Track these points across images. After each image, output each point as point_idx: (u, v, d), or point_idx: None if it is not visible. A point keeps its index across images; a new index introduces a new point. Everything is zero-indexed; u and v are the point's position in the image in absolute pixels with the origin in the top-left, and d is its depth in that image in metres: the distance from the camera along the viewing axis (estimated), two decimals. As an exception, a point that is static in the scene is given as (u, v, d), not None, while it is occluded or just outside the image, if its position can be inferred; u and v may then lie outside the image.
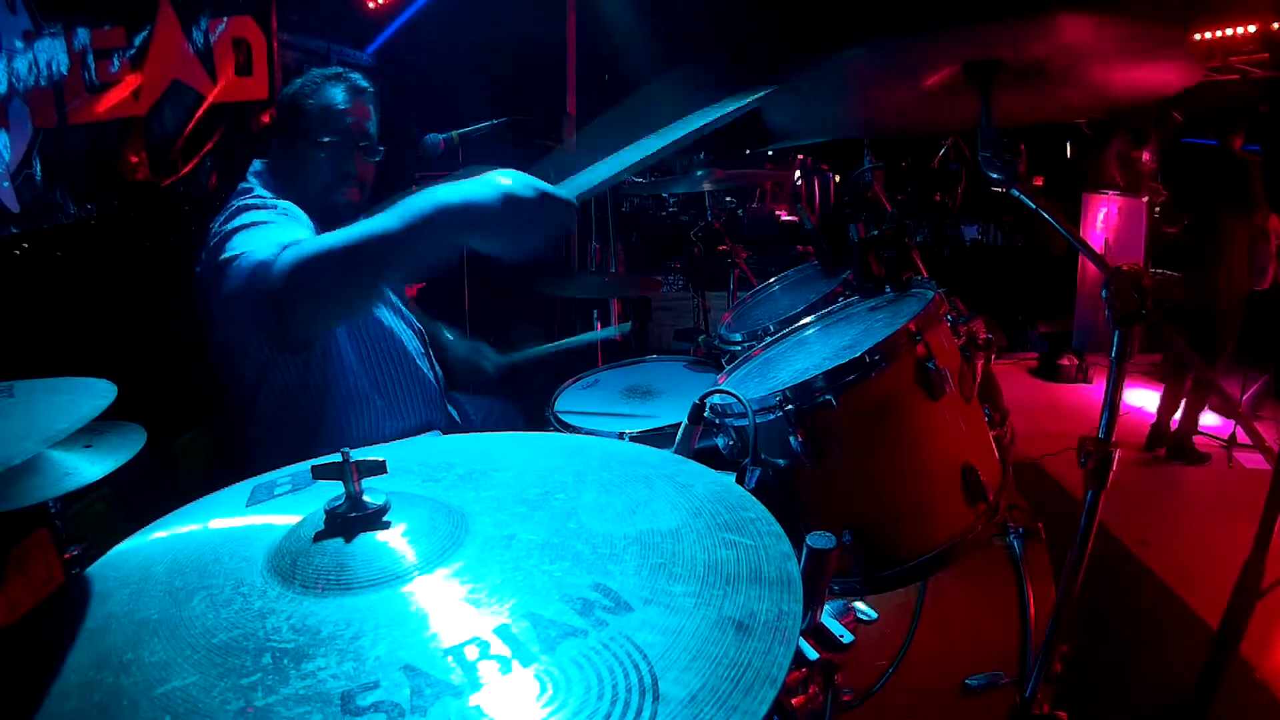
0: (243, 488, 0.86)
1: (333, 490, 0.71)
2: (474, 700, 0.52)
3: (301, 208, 1.55)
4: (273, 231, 1.33)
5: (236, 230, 1.37)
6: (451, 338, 2.10)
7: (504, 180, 1.07)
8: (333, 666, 0.56)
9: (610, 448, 0.97)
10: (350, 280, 1.16)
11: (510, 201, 1.06)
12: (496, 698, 0.52)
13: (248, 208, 1.46)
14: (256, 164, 1.65)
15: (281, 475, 0.88)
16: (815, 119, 1.34)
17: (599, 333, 2.33)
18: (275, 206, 1.48)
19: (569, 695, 0.52)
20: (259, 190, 1.56)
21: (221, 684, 0.55)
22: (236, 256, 1.28)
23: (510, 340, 2.16)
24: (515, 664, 0.55)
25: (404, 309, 1.81)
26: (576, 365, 2.19)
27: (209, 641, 0.59)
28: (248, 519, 0.80)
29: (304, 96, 1.60)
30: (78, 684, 0.56)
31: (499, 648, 0.56)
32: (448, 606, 0.62)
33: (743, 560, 0.67)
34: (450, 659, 0.56)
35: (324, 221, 1.60)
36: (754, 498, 0.78)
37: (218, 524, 0.79)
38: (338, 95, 1.61)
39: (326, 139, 1.59)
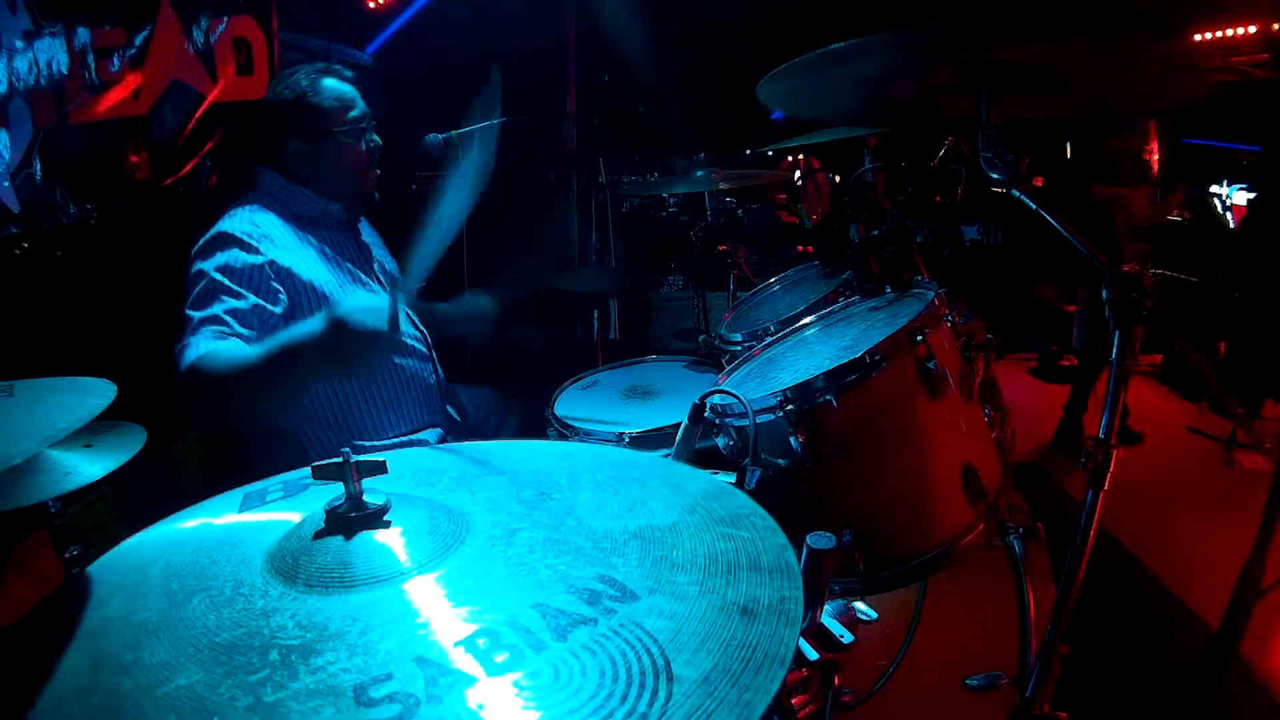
0: (234, 495, 0.86)
1: (324, 496, 0.71)
2: (491, 687, 0.53)
3: (335, 198, 1.68)
4: (206, 330, 1.40)
5: (192, 293, 1.45)
6: (445, 306, 2.05)
7: (337, 322, 1.18)
8: (343, 661, 0.56)
9: (600, 452, 0.98)
10: (245, 396, 1.32)
11: (330, 336, 1.18)
12: (513, 684, 0.53)
13: (212, 254, 1.49)
14: (266, 171, 1.65)
15: (273, 483, 0.89)
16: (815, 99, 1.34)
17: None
18: (254, 248, 1.51)
19: (585, 679, 0.53)
20: (251, 218, 1.57)
21: (228, 681, 0.55)
22: (182, 335, 1.39)
23: (509, 339, 2.14)
24: (528, 652, 0.55)
25: (410, 313, 1.81)
26: (576, 366, 2.19)
27: (212, 641, 0.59)
28: (240, 522, 0.80)
29: (311, 95, 1.62)
30: (75, 687, 0.56)
31: (510, 638, 0.57)
32: (455, 601, 0.62)
33: (741, 551, 0.68)
34: (462, 650, 0.56)
35: (358, 205, 1.75)
36: (745, 495, 0.79)
37: (211, 527, 0.79)
38: (341, 87, 1.67)
39: (347, 129, 1.65)
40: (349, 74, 1.70)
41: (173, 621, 0.62)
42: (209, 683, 0.55)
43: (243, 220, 1.55)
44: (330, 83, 1.65)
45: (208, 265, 1.47)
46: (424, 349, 1.81)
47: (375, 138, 1.72)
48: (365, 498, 0.70)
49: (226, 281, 1.45)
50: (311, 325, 1.23)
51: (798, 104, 1.39)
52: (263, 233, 1.54)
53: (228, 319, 1.41)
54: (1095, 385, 3.56)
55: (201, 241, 1.52)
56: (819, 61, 1.09)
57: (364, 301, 1.22)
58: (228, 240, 1.50)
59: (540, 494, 0.80)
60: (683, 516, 0.74)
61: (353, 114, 1.66)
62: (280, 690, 0.53)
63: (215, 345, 1.36)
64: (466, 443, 1.00)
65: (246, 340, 1.40)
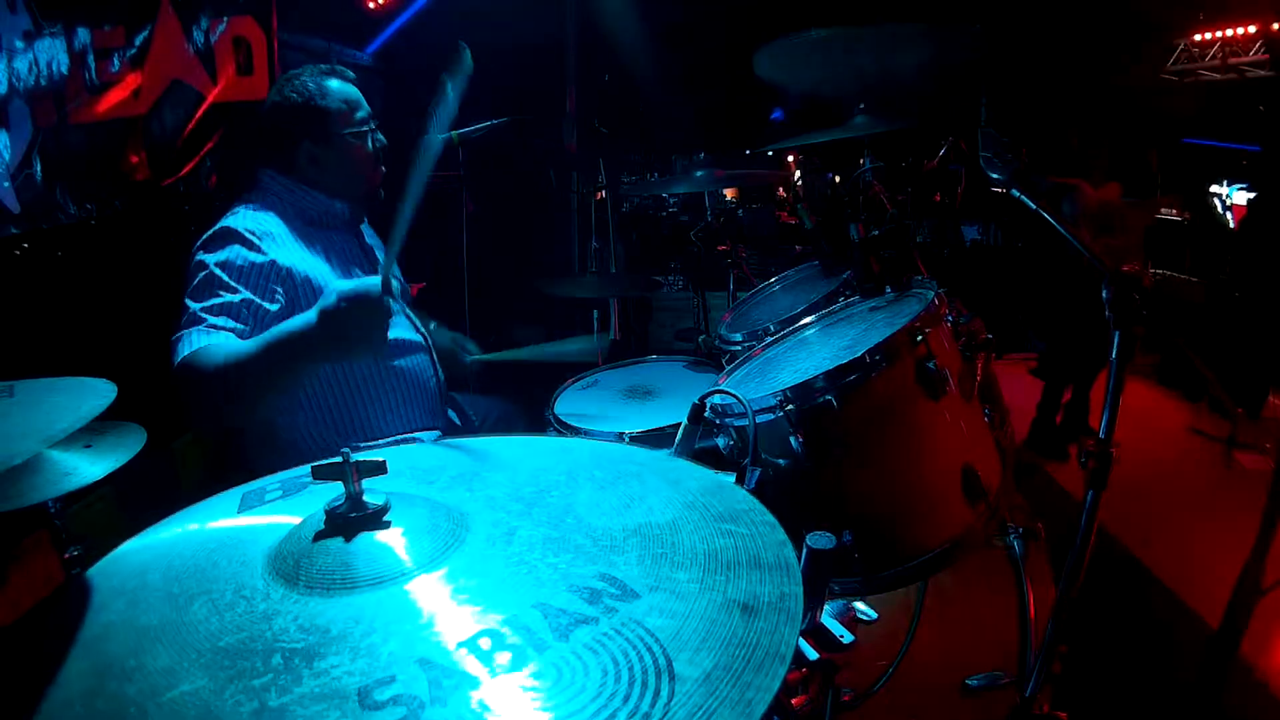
0: (233, 494, 0.86)
1: (323, 495, 0.71)
2: (494, 688, 0.53)
3: (342, 198, 1.70)
4: (201, 326, 1.40)
5: (192, 283, 1.46)
6: (434, 326, 2.08)
7: (328, 299, 1.22)
8: (346, 664, 0.56)
9: (598, 448, 0.98)
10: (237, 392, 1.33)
11: (327, 317, 1.21)
12: (516, 685, 0.53)
13: (215, 248, 1.50)
14: (269, 173, 1.65)
15: (271, 482, 0.88)
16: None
17: (574, 345, 2.18)
18: (257, 246, 1.51)
19: (588, 679, 0.53)
20: (255, 216, 1.57)
21: (232, 686, 0.55)
22: (177, 329, 1.40)
23: (511, 340, 2.13)
24: (531, 652, 0.56)
25: (412, 315, 1.81)
26: (576, 366, 2.18)
27: (215, 645, 0.59)
28: (240, 524, 0.79)
29: (319, 98, 1.63)
30: (79, 693, 0.56)
31: (513, 638, 0.57)
32: (456, 601, 0.62)
33: (740, 548, 0.68)
34: (465, 651, 0.56)
35: (365, 203, 1.77)
36: (745, 491, 0.79)
37: (210, 530, 0.79)
38: (346, 88, 1.68)
39: (355, 129, 1.67)
40: (351, 75, 1.72)
41: (175, 626, 0.62)
42: (213, 688, 0.55)
43: (247, 218, 1.55)
44: (336, 84, 1.66)
45: (209, 258, 1.48)
46: (424, 351, 1.81)
47: (380, 137, 1.74)
48: (365, 498, 0.70)
49: (224, 276, 1.45)
50: (305, 314, 1.26)
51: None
52: (266, 231, 1.55)
53: (222, 313, 1.42)
54: (1067, 385, 3.58)
55: (206, 235, 1.53)
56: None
57: (354, 281, 1.24)
58: (231, 235, 1.51)
59: (539, 491, 0.80)
60: (682, 513, 0.74)
61: (360, 114, 1.68)
62: (285, 695, 0.53)
63: (207, 340, 1.37)
64: (463, 439, 0.99)
65: (240, 335, 1.41)
